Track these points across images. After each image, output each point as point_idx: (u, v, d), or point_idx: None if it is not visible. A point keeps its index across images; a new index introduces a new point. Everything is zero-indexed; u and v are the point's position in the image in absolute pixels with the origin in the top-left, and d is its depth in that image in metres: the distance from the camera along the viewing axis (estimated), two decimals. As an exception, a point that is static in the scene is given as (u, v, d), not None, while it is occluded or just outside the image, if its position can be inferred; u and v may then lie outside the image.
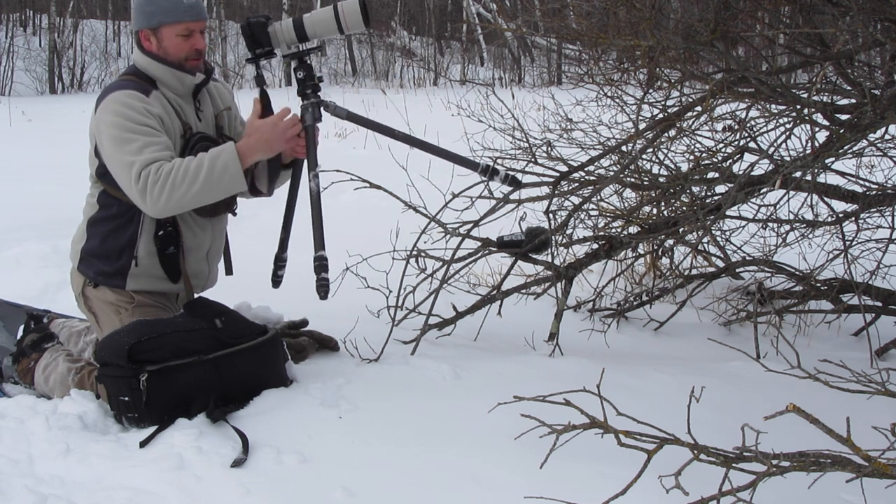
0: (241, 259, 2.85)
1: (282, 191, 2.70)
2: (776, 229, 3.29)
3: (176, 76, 2.42)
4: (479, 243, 3.09)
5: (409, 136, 2.56)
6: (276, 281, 2.70)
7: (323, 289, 2.22)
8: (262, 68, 2.53)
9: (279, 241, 2.67)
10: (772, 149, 2.84)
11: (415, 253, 3.09)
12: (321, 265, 2.22)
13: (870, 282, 3.06)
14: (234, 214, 2.69)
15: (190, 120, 2.46)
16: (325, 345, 2.73)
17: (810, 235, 3.24)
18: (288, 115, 2.44)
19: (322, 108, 2.48)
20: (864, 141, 2.91)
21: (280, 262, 2.69)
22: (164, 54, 2.41)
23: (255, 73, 2.51)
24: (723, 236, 3.45)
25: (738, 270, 3.44)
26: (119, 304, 2.49)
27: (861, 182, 3.17)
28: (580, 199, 3.15)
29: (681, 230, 2.97)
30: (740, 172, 2.77)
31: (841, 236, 3.05)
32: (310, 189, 2.33)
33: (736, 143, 3.11)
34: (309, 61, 2.49)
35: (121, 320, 2.43)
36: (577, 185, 3.16)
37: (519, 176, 3.19)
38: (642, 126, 3.02)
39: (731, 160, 3.06)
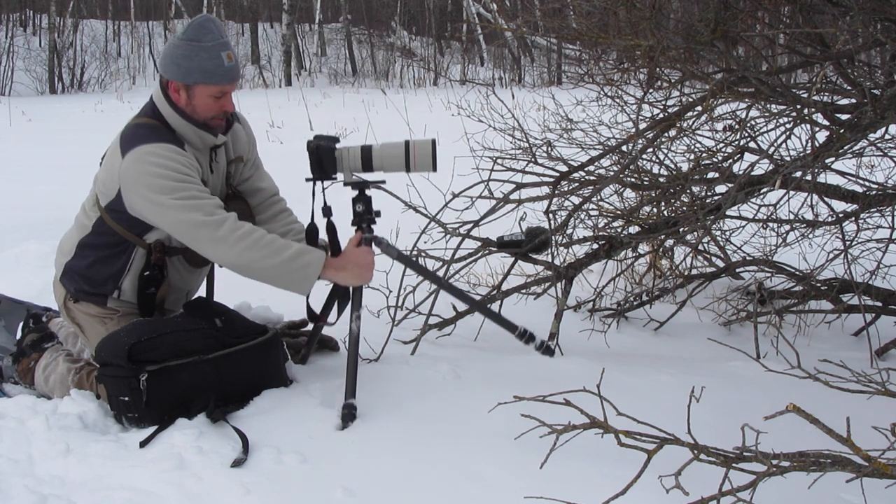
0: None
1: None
2: (776, 229, 3.28)
3: (198, 134, 2.37)
4: (479, 243, 3.09)
5: (456, 287, 2.48)
6: None
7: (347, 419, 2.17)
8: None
9: None
10: (772, 149, 2.84)
11: (415, 253, 3.09)
12: (350, 413, 2.18)
13: (870, 282, 3.06)
14: None
15: (205, 173, 2.42)
16: (325, 345, 2.73)
17: (810, 235, 3.24)
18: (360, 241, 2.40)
19: (374, 244, 2.42)
20: (864, 141, 2.91)
21: None
22: (191, 111, 2.34)
23: (323, 204, 2.42)
24: (723, 236, 3.45)
25: (738, 270, 3.44)
26: (103, 315, 2.47)
27: (861, 182, 3.16)
28: (580, 199, 3.15)
29: (681, 230, 2.97)
30: (740, 172, 2.76)
31: (841, 236, 3.04)
32: (350, 330, 2.30)
33: (736, 143, 3.11)
34: (369, 193, 2.43)
35: (107, 329, 2.41)
36: (577, 185, 3.16)
37: (520, 177, 3.20)
38: (642, 126, 3.02)
39: (731, 160, 3.06)
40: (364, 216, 2.42)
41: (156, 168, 2.20)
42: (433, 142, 2.39)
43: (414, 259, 2.50)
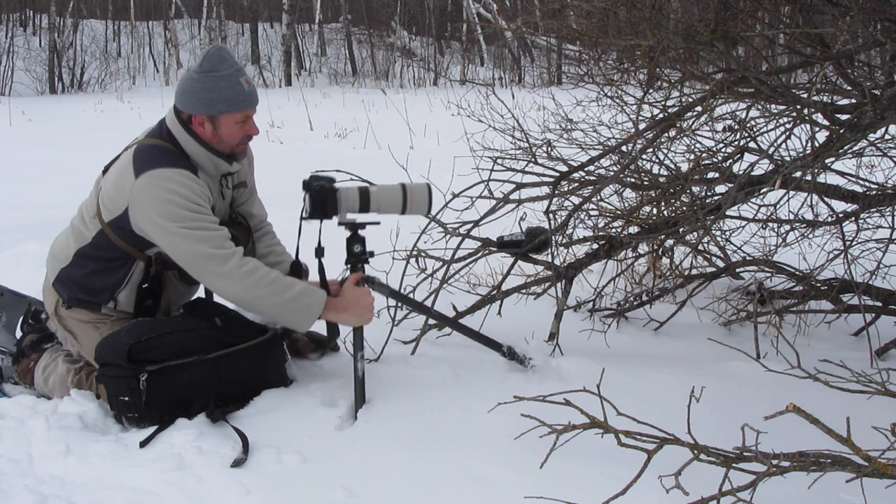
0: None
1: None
2: (776, 229, 3.28)
3: (214, 162, 2.37)
4: (479, 243, 3.09)
5: (446, 316, 2.49)
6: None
7: None
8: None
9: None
10: (772, 149, 2.84)
11: (415, 253, 3.09)
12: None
13: (870, 282, 3.06)
14: None
15: (215, 199, 2.42)
16: (325, 345, 2.73)
17: (810, 235, 3.24)
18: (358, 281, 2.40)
19: (367, 284, 2.43)
20: (864, 141, 2.91)
21: None
22: (217, 142, 2.35)
23: (317, 244, 2.41)
24: (723, 236, 3.45)
25: (738, 270, 3.44)
26: (96, 321, 2.46)
27: (861, 182, 3.16)
28: (580, 199, 3.14)
29: (681, 230, 2.97)
30: (740, 172, 2.76)
31: (841, 236, 3.04)
32: (355, 370, 2.32)
33: (736, 143, 3.11)
34: (363, 234, 2.43)
35: (100, 334, 2.39)
36: (577, 185, 3.15)
37: (520, 177, 3.21)
38: (642, 126, 3.02)
39: (731, 160, 3.06)
40: (360, 256, 2.43)
41: (169, 194, 2.21)
42: (428, 186, 2.43)
43: (406, 293, 2.54)
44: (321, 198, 2.35)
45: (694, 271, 3.51)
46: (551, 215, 3.11)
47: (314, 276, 2.53)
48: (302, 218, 2.41)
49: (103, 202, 2.35)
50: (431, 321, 2.87)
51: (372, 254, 2.46)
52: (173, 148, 2.33)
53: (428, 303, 2.89)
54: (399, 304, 2.81)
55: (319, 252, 2.42)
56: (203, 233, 2.21)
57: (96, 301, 2.45)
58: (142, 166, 2.25)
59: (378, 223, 2.47)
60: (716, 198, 3.03)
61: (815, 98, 2.74)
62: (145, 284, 2.44)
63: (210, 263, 2.21)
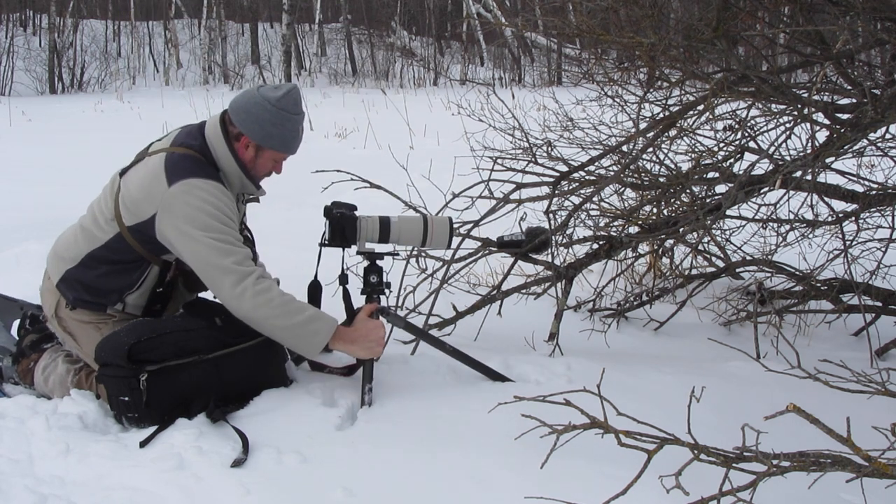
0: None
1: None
2: (776, 229, 3.29)
3: (242, 182, 2.41)
4: (479, 243, 3.09)
5: (461, 352, 2.48)
6: None
7: None
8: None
9: None
10: (772, 148, 2.84)
11: (415, 253, 3.09)
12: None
13: (870, 282, 3.06)
14: None
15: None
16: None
17: (810, 235, 3.24)
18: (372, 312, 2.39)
19: (381, 315, 2.42)
20: (865, 140, 2.91)
21: None
22: (252, 167, 2.39)
23: (340, 273, 2.45)
24: (723, 236, 3.45)
25: (738, 270, 3.44)
26: (98, 321, 2.46)
27: (861, 182, 3.16)
28: (580, 199, 3.14)
29: (681, 230, 2.97)
30: (740, 172, 2.77)
31: (841, 236, 3.04)
32: (362, 403, 2.31)
33: (736, 142, 3.11)
34: (380, 264, 2.43)
35: (101, 334, 2.38)
36: (577, 185, 3.15)
37: (520, 177, 3.21)
38: (643, 125, 3.02)
39: (731, 160, 3.06)
40: (377, 287, 2.42)
41: (203, 203, 2.23)
42: (450, 220, 2.43)
43: (422, 328, 2.53)
44: (340, 225, 2.36)
45: (694, 271, 3.52)
46: (551, 215, 3.11)
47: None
48: (321, 244, 2.43)
49: (125, 205, 2.34)
50: (432, 321, 2.88)
51: (389, 285, 2.45)
52: (205, 160, 2.34)
53: (428, 303, 2.89)
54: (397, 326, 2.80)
55: (343, 279, 2.45)
56: (228, 247, 2.23)
57: (102, 302, 2.45)
58: (176, 174, 2.27)
59: (397, 254, 2.48)
60: (716, 197, 3.03)
61: (816, 97, 2.74)
62: (160, 289, 2.46)
63: (227, 278, 2.21)
